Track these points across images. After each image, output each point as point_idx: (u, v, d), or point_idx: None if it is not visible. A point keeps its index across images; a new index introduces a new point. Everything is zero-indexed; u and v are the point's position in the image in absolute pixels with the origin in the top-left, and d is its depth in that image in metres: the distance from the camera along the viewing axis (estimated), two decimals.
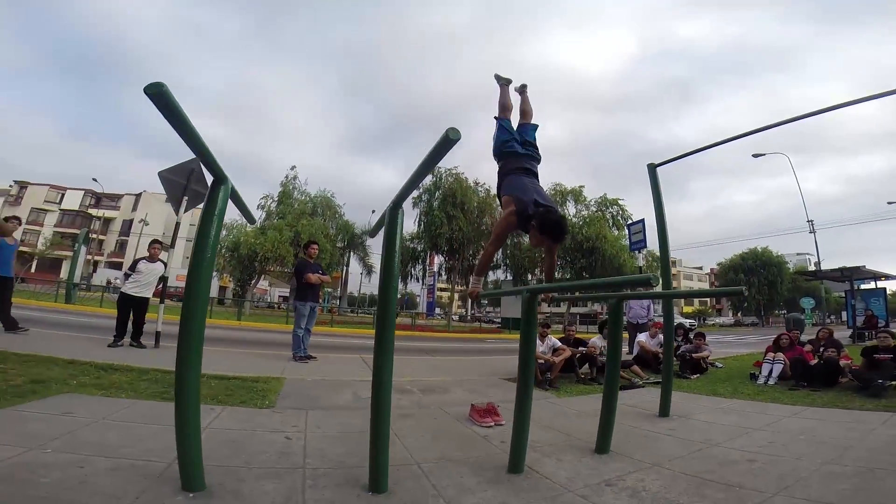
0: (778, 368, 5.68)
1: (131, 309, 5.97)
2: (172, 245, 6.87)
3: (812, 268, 20.01)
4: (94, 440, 2.24)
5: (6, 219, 6.24)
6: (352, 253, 30.68)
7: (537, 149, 3.09)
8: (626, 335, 8.51)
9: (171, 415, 1.82)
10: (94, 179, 38.05)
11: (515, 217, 2.63)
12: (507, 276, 26.52)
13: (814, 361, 5.62)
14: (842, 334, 10.62)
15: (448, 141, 1.60)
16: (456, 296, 35.75)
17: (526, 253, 24.47)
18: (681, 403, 4.10)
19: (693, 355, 6.62)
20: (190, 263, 1.96)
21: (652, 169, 4.45)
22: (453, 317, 24.90)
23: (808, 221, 15.64)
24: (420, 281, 28.96)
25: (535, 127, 3.22)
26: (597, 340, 6.58)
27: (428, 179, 24.98)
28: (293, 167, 24.21)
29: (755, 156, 17.40)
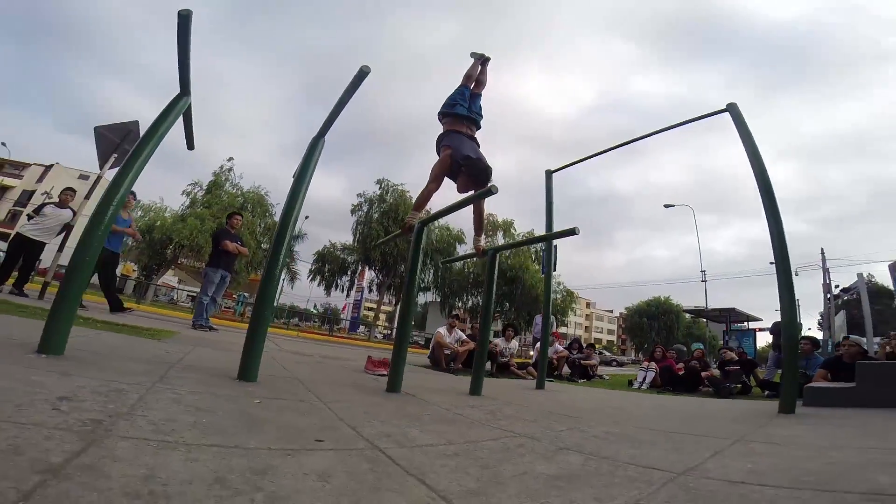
0: (651, 375, 6.40)
1: (23, 253, 5.38)
2: (88, 196, 6.33)
3: (703, 319, 22.64)
4: None
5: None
6: None
7: (482, 117, 3.39)
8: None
9: (40, 324, 1.80)
10: (2, 143, 33.27)
11: (450, 159, 2.89)
12: (435, 298, 26.83)
13: (680, 371, 6.42)
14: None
15: (362, 74, 2.01)
16: (382, 316, 35.31)
17: (455, 276, 25.08)
18: (559, 387, 4.51)
19: (582, 361, 7.23)
20: (121, 168, 2.03)
21: (548, 174, 5.04)
22: (376, 335, 24.55)
23: (701, 271, 17.93)
24: (346, 292, 28.33)
25: (480, 96, 3.49)
26: (499, 341, 6.97)
27: (372, 190, 24.96)
28: (230, 158, 23.04)
29: (666, 206, 19.67)
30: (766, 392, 5.12)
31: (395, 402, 2.16)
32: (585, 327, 58.10)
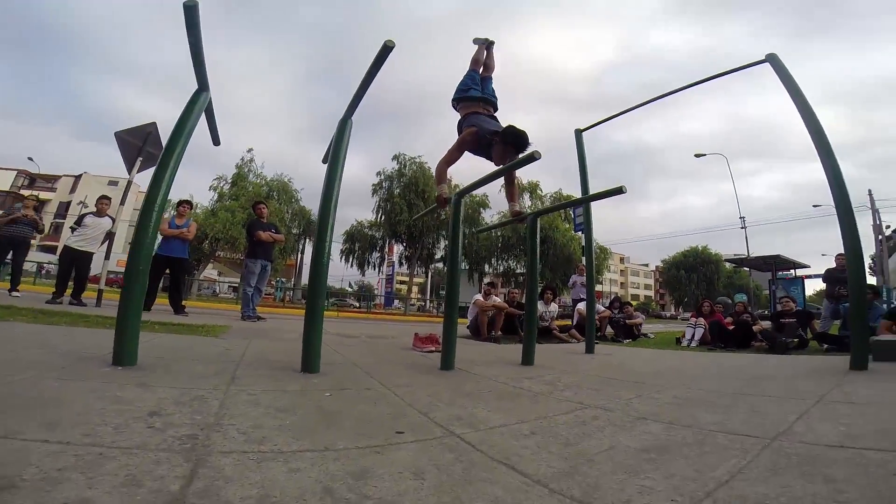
0: (699, 332, 6.22)
1: (74, 264, 5.69)
2: (122, 203, 6.57)
3: (745, 268, 21.79)
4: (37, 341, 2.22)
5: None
6: (308, 240, 30.10)
7: (497, 98, 3.33)
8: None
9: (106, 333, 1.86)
10: (30, 159, 35.00)
11: (475, 137, 2.84)
12: (464, 266, 26.92)
13: (730, 326, 6.21)
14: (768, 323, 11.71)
15: (386, 49, 1.88)
16: (415, 288, 35.88)
17: (482, 242, 24.97)
18: (608, 349, 4.45)
19: (627, 321, 7.11)
20: (155, 171, 2.03)
21: (578, 134, 4.81)
22: (411, 306, 25.05)
23: (740, 218, 17.06)
24: (378, 269, 28.82)
25: (490, 79, 3.43)
26: (539, 305, 6.92)
27: (391, 167, 24.93)
28: (250, 149, 23.29)
29: (697, 156, 18.71)
30: (825, 346, 4.87)
31: (452, 380, 2.17)
32: (621, 283, 57.15)
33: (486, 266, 26.56)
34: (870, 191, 16.99)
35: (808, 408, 1.65)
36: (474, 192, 24.10)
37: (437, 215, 24.12)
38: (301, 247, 26.47)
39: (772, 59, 3.00)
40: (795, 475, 1.01)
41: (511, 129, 2.69)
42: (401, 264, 30.17)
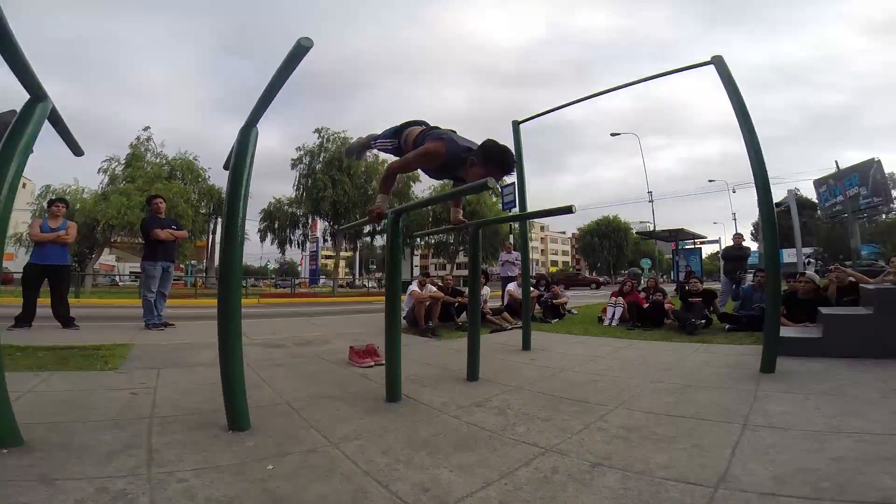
0: (619, 311, 6.74)
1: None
2: None
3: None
4: None
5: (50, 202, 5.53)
6: (219, 220, 27.65)
7: None
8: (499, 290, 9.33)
9: None
10: None
11: (442, 153, 2.31)
12: None
13: (646, 305, 6.80)
14: (670, 287, 13.09)
15: (300, 49, 1.55)
16: (342, 262, 34.77)
17: (413, 217, 24.74)
18: (541, 340, 4.62)
19: (553, 301, 7.50)
20: None
21: (515, 125, 4.77)
22: (339, 283, 24.31)
23: (648, 192, 18.77)
24: (301, 247, 27.45)
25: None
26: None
27: (311, 141, 23.46)
28: (146, 128, 20.70)
29: (613, 134, 20.01)
30: (727, 326, 5.51)
31: (403, 423, 2.04)
32: (541, 250, 60.50)
33: (418, 240, 26.49)
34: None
35: (738, 438, 1.78)
36: None
37: (364, 190, 23.34)
38: (212, 227, 24.22)
39: (717, 62, 3.10)
40: None
41: (494, 145, 2.26)
42: (325, 241, 28.99)
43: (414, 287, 6.61)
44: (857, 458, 1.53)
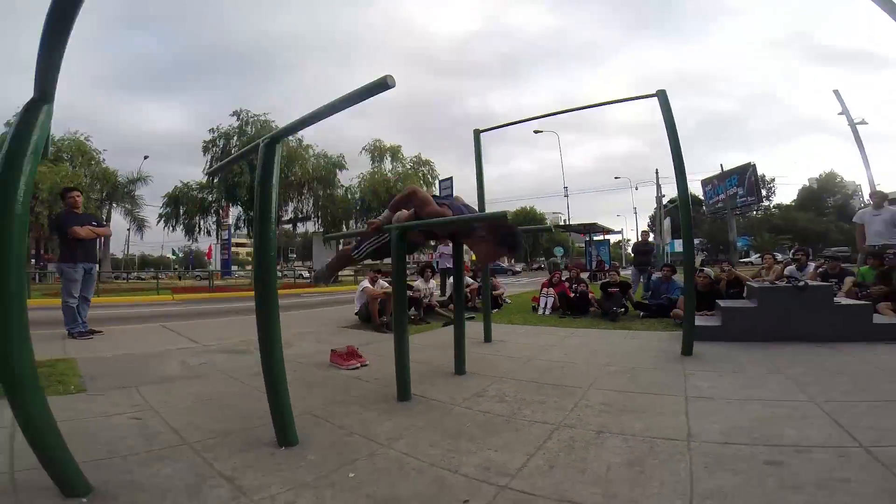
0: (551, 301, 7.55)
1: None
2: None
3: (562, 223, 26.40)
4: None
5: None
6: (114, 205, 24.33)
7: None
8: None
9: None
10: None
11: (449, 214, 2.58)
12: (318, 228, 25.64)
13: (572, 295, 7.68)
14: (583, 274, 14.65)
15: (381, 86, 1.53)
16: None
17: (339, 204, 24.20)
18: (493, 331, 5.09)
19: (492, 292, 8.11)
20: None
21: (477, 135, 5.14)
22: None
23: (564, 187, 20.63)
24: (216, 235, 25.29)
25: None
26: (419, 283, 7.34)
27: (227, 123, 21.66)
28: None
29: (536, 132, 21.37)
30: (641, 313, 6.53)
31: (426, 417, 2.32)
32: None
33: (344, 227, 25.92)
34: (657, 170, 22.47)
35: (686, 407, 2.36)
36: (330, 153, 22.77)
37: (286, 175, 22.12)
38: (106, 214, 21.25)
39: (660, 95, 3.69)
40: (727, 471, 1.56)
41: (509, 232, 2.45)
42: (238, 227, 27.01)
43: (366, 283, 6.72)
44: (767, 417, 2.16)
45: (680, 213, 3.93)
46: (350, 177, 24.44)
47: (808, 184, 47.84)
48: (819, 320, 3.95)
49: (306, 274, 23.60)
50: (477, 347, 4.33)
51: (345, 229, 26.05)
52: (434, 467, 1.71)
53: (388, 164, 25.03)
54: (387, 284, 6.88)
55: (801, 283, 4.25)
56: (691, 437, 1.94)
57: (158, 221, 23.50)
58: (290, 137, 22.02)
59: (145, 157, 25.86)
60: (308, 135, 25.00)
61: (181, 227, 23.20)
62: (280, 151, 2.11)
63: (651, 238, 10.33)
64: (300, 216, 25.53)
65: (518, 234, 2.50)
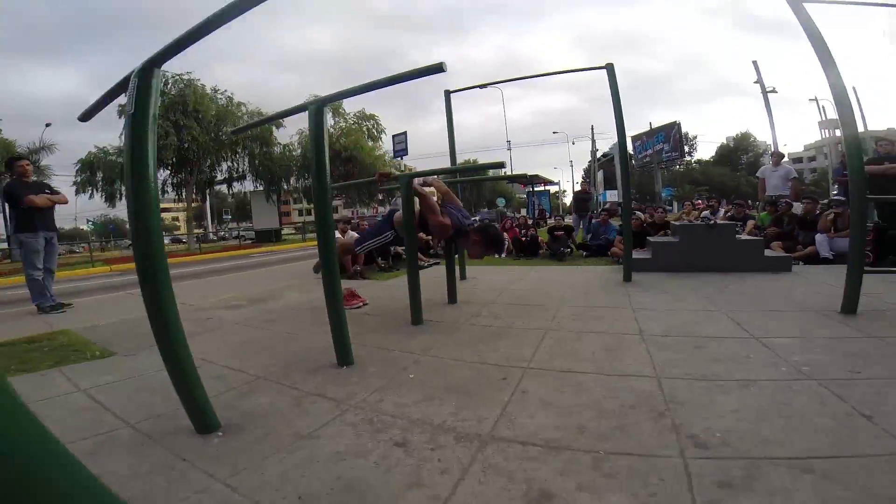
0: (504, 245, 8.37)
1: None
2: None
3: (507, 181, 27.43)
4: None
5: None
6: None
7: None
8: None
9: None
10: None
11: (449, 227, 3.36)
12: (256, 186, 24.42)
13: (524, 239, 8.51)
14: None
15: (435, 69, 1.95)
16: (181, 215, 30.42)
17: (277, 161, 23.16)
18: (471, 274, 5.74)
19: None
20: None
21: (447, 95, 5.50)
22: (195, 240, 21.76)
23: (507, 141, 21.34)
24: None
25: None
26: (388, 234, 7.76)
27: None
28: None
29: (481, 86, 21.46)
30: (584, 253, 7.53)
31: (442, 333, 2.90)
32: None
33: (284, 185, 24.97)
34: (592, 126, 23.97)
35: (634, 314, 3.14)
36: (263, 111, 21.27)
37: (216, 134, 20.58)
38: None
39: (608, 69, 4.26)
40: (671, 351, 2.31)
41: (496, 235, 3.45)
42: (164, 192, 24.99)
43: (337, 234, 6.97)
44: (692, 320, 2.95)
45: (619, 169, 4.68)
46: (289, 133, 23.25)
47: (725, 142, 52.85)
48: (725, 253, 4.95)
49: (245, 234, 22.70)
50: (458, 283, 4.95)
51: (285, 185, 25.14)
52: (468, 362, 2.30)
53: (330, 120, 24.09)
54: (357, 235, 7.21)
55: (712, 222, 5.27)
56: (642, 332, 2.69)
57: (75, 191, 21.14)
58: (219, 97, 20.43)
59: (47, 125, 22.72)
60: (238, 93, 23.37)
61: (101, 194, 21.07)
62: (324, 114, 2.35)
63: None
64: (235, 176, 24.14)
65: (502, 237, 3.51)
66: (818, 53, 2.84)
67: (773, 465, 1.24)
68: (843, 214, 5.29)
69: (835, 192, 7.02)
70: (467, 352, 2.48)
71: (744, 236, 5.66)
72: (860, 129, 3.09)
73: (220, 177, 23.75)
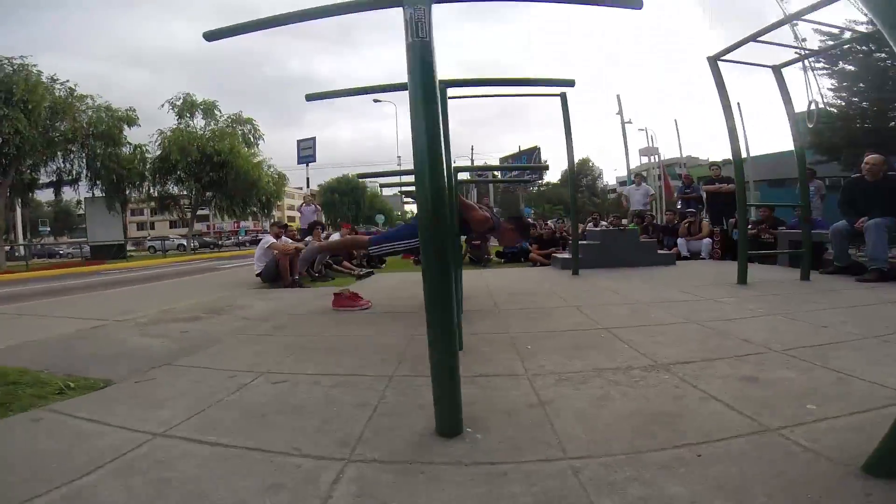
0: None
1: None
2: None
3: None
4: None
5: None
6: None
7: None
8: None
9: None
10: None
11: (490, 218, 3.74)
12: (95, 192, 20.24)
13: None
14: None
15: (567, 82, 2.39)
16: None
17: (125, 164, 19.81)
18: (411, 277, 6.09)
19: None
20: None
21: (443, 88, 5.81)
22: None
23: (398, 156, 21.93)
24: None
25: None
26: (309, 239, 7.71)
27: None
28: None
29: (376, 101, 21.61)
30: (502, 260, 8.52)
31: (482, 319, 3.25)
32: (289, 206, 56.91)
33: (132, 192, 21.34)
34: (472, 147, 26.22)
35: (591, 297, 3.96)
36: (117, 106, 18.17)
37: (46, 130, 16.72)
38: None
39: (562, 97, 5.05)
40: (613, 306, 3.11)
41: (526, 223, 4.15)
42: None
43: (271, 240, 6.59)
44: (614, 293, 3.91)
45: (570, 189, 5.67)
46: (147, 132, 20.04)
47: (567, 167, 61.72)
48: (630, 252, 6.30)
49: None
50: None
51: (133, 192, 21.52)
52: (521, 332, 2.73)
53: (199, 121, 21.60)
54: (291, 241, 6.92)
55: (623, 228, 6.68)
56: (604, 302, 3.53)
57: None
58: (58, 88, 16.83)
59: None
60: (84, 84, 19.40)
61: None
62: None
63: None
64: (67, 179, 19.85)
65: (530, 225, 3.94)
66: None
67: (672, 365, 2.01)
68: (694, 222, 7.18)
69: (679, 206, 9.24)
70: (513, 328, 2.92)
71: (644, 238, 7.21)
72: (678, 155, 4.49)
73: (45, 179, 19.30)
